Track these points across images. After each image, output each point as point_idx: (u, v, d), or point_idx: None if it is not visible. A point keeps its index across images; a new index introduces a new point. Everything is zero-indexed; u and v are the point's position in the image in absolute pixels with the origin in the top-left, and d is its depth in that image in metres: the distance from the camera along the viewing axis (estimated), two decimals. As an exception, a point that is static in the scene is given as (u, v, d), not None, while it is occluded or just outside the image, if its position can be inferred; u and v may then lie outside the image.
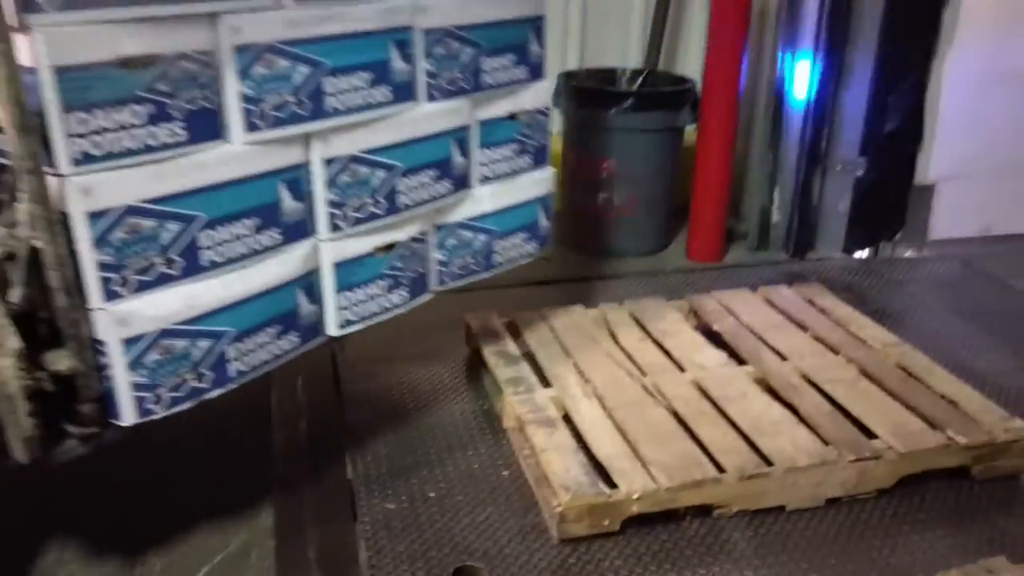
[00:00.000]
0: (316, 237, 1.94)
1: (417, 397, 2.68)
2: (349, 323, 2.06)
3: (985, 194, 3.68)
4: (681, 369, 2.59)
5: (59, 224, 1.49)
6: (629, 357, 2.67)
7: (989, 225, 3.76)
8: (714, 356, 2.66)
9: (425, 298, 2.27)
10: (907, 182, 3.61)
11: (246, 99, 1.70)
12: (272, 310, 1.87)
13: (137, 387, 1.65)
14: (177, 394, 1.72)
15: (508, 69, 2.26)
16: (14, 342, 1.49)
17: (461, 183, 2.24)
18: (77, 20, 1.44)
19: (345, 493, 2.23)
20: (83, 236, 1.52)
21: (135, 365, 1.64)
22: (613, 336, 2.79)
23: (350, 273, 2.02)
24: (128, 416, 1.66)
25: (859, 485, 2.17)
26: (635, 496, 2.04)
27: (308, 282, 1.94)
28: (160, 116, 1.58)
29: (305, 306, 1.95)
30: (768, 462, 2.14)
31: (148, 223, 1.60)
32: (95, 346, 1.60)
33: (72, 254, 1.53)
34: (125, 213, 1.57)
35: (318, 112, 1.83)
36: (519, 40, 2.27)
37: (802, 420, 2.31)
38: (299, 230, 1.89)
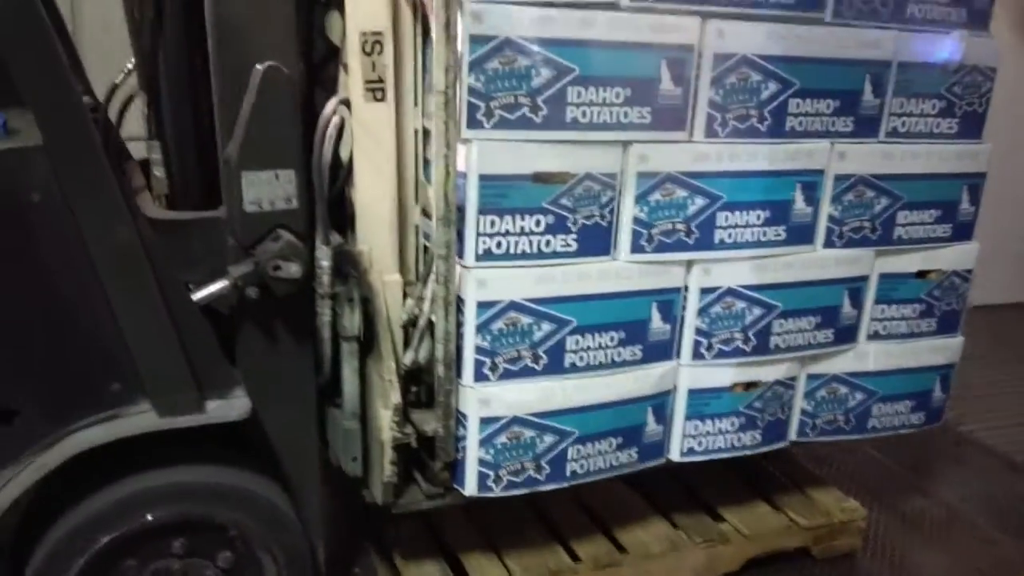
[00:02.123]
0: (677, 361, 1.95)
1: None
2: (692, 452, 2.03)
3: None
4: None
5: (453, 306, 1.70)
6: None
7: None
8: None
9: (779, 446, 2.15)
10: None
11: (638, 222, 1.79)
12: (618, 422, 1.91)
13: (483, 463, 1.80)
14: (515, 479, 1.84)
15: (927, 225, 2.08)
16: (396, 397, 1.72)
17: (846, 335, 2.10)
18: (508, 137, 1.65)
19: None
20: (470, 320, 1.72)
21: (486, 443, 1.79)
22: None
23: (704, 403, 1.99)
24: (470, 487, 1.82)
25: (709, 569, 2.18)
26: None
27: (659, 402, 1.95)
28: (558, 227, 1.73)
29: (651, 425, 1.96)
30: (622, 549, 2.12)
31: (526, 319, 1.75)
32: (457, 417, 1.78)
33: (458, 334, 1.73)
34: (508, 307, 1.73)
35: (705, 243, 1.85)
36: (947, 196, 2.07)
37: (655, 505, 2.29)
38: (661, 351, 1.92)
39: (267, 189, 1.61)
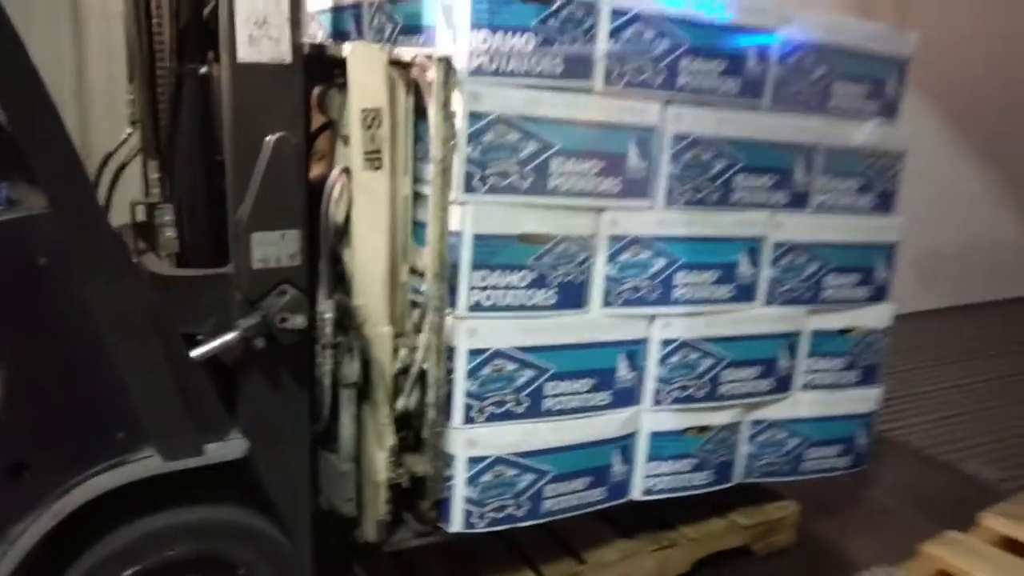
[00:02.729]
0: (640, 406, 2.14)
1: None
2: (651, 491, 2.21)
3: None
4: None
5: (445, 354, 1.86)
6: None
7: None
8: None
9: (727, 485, 2.35)
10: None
11: (608, 279, 2.00)
12: (589, 462, 2.08)
13: (468, 501, 1.93)
14: (497, 515, 1.97)
15: (850, 287, 2.36)
16: (391, 440, 1.85)
17: (782, 385, 2.34)
18: (499, 201, 1.84)
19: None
20: (460, 367, 1.87)
21: (472, 481, 1.93)
22: None
23: (662, 445, 2.19)
24: (456, 524, 1.94)
25: (661, 572, 2.34)
26: None
27: (624, 444, 2.14)
28: (539, 283, 1.92)
29: (618, 465, 2.13)
30: (580, 560, 2.25)
31: (510, 366, 1.92)
32: (445, 458, 1.92)
33: (447, 380, 1.88)
34: (495, 355, 1.90)
35: (665, 299, 2.07)
36: (866, 263, 2.37)
37: (615, 526, 2.41)
38: (627, 397, 2.11)
39: (274, 248, 1.74)
